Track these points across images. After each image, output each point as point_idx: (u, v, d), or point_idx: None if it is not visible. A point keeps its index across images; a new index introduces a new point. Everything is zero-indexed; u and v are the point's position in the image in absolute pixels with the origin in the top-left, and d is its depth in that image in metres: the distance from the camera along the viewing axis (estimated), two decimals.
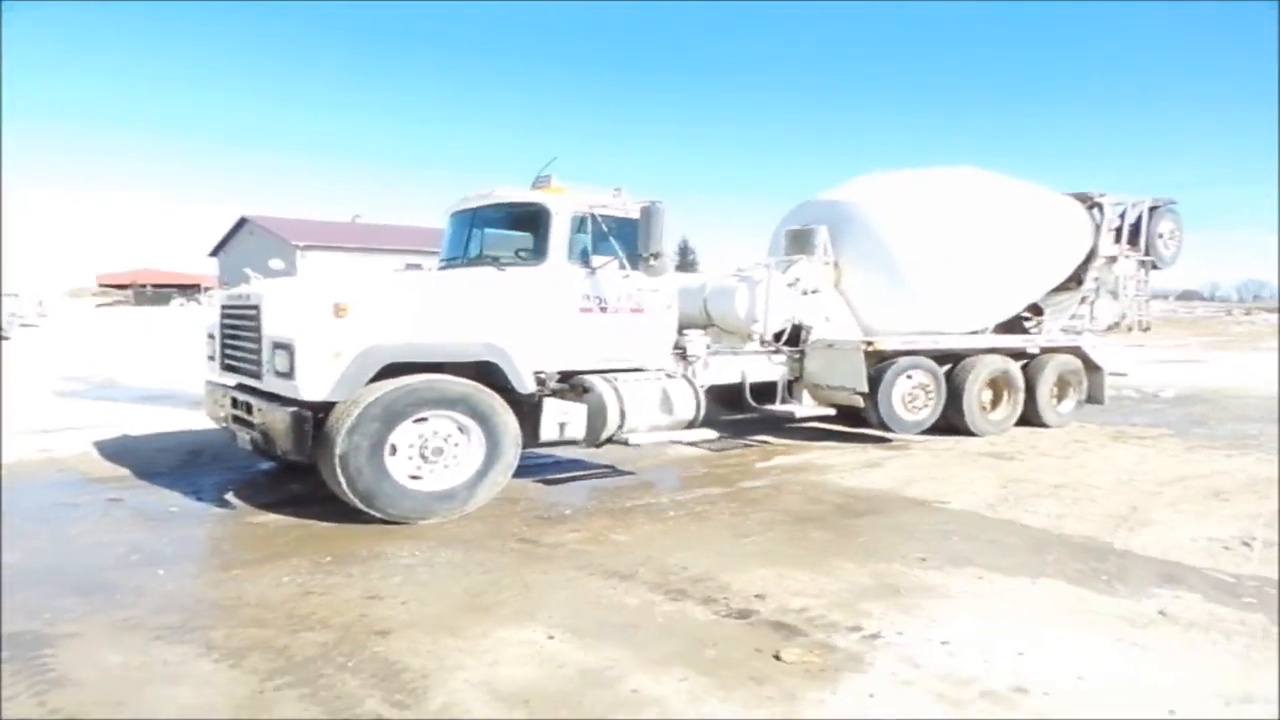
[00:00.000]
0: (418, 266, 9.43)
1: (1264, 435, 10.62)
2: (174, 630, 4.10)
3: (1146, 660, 3.90)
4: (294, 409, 5.97)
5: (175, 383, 14.18)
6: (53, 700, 3.35)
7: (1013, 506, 6.87)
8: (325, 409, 6.02)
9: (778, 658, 3.84)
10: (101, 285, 72.96)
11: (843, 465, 8.52)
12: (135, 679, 3.57)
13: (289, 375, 5.98)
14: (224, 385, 7.30)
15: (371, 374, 6.06)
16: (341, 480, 5.86)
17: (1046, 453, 9.37)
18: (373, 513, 5.97)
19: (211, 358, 7.57)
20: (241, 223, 62.95)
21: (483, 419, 6.39)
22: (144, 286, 67.77)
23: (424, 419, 6.21)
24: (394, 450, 6.07)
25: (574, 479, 7.86)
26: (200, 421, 10.22)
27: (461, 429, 6.38)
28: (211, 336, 7.54)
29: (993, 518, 6.53)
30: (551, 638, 4.07)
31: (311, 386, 5.94)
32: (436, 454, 6.27)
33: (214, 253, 66.94)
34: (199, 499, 6.84)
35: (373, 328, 6.20)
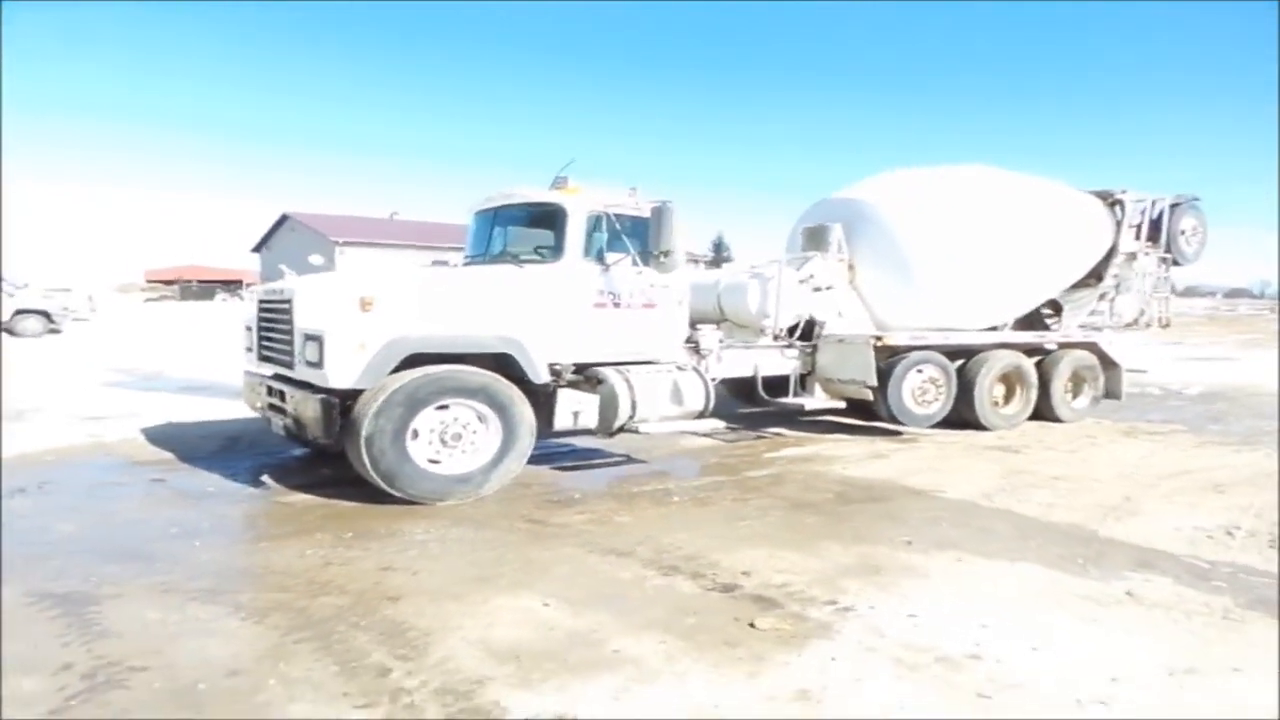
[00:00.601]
0: (444, 263, 9.87)
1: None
2: (206, 593, 4.52)
3: (1102, 635, 4.15)
4: (323, 396, 6.40)
5: (217, 374, 14.79)
6: (100, 647, 3.77)
7: (1008, 496, 7.09)
8: (352, 396, 6.42)
9: (752, 625, 4.16)
10: (149, 281, 75.01)
11: (848, 456, 8.78)
12: (171, 632, 3.99)
13: (319, 364, 6.40)
14: (260, 375, 7.77)
15: (395, 363, 6.45)
16: (366, 462, 6.23)
17: (1053, 446, 9.54)
18: (394, 493, 6.34)
19: (249, 349, 8.04)
20: (283, 220, 64.23)
21: (500, 408, 6.75)
22: (190, 282, 69.59)
23: (444, 406, 6.57)
24: (415, 435, 6.43)
25: (589, 466, 8.21)
26: (239, 410, 10.74)
27: (480, 417, 6.74)
28: (249, 329, 8.00)
29: (986, 506, 6.76)
30: (546, 605, 4.42)
31: (339, 375, 6.35)
32: (455, 439, 6.64)
33: (256, 249, 68.41)
34: (235, 480, 7.28)
35: (396, 320, 6.57)
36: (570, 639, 3.98)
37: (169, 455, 8.29)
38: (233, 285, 67.20)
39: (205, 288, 64.88)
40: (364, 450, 6.21)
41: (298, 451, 8.48)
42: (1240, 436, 10.35)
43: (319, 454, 8.02)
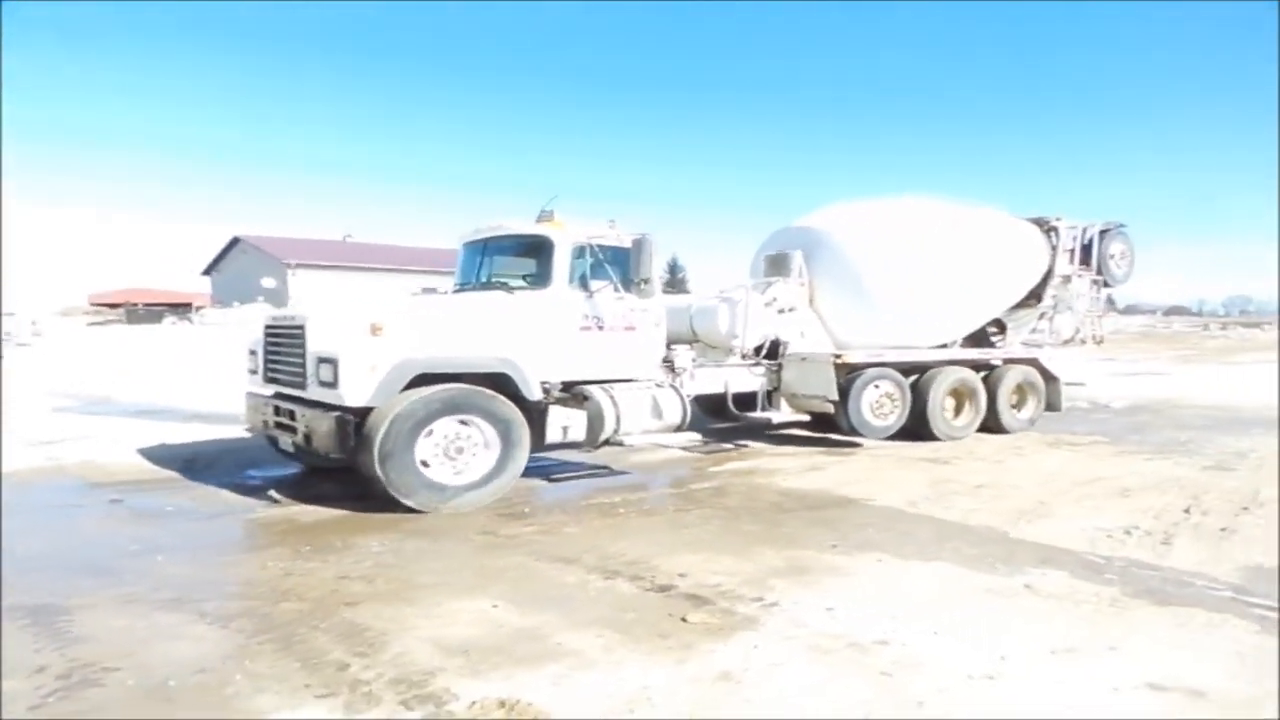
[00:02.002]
0: (433, 290, 10.49)
1: (1193, 442, 11.36)
2: (171, 602, 4.78)
3: (998, 622, 4.60)
4: (337, 414, 6.88)
5: (167, 398, 14.85)
6: (73, 652, 4.02)
7: (933, 503, 7.58)
8: (363, 414, 6.92)
9: (685, 620, 4.54)
10: (93, 304, 73.43)
11: (787, 469, 9.24)
12: (141, 637, 4.25)
13: (333, 385, 6.90)
14: (262, 395, 8.24)
15: (405, 383, 6.99)
16: (380, 474, 6.75)
17: (981, 458, 10.11)
18: (406, 502, 6.85)
19: (253, 371, 8.48)
20: (234, 242, 63.71)
21: (498, 423, 7.31)
22: (136, 305, 68.32)
23: (449, 422, 7.13)
24: (422, 449, 6.98)
25: (566, 478, 8.56)
26: (191, 433, 10.94)
27: (480, 432, 7.30)
28: (253, 352, 8.45)
29: (911, 513, 7.24)
30: (495, 607, 4.76)
31: (354, 394, 6.85)
32: (459, 452, 7.20)
33: (207, 271, 67.66)
34: (192, 500, 7.51)
35: (403, 343, 7.13)
36: (517, 635, 4.33)
37: (124, 477, 8.45)
38: (182, 308, 66.17)
39: (152, 311, 63.73)
40: (378, 464, 6.72)
41: (254, 472, 8.73)
42: (1155, 446, 11.01)
43: (313, 471, 8.55)
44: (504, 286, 8.42)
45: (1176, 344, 42.99)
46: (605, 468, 9.15)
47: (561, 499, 7.67)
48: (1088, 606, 4.88)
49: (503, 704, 3.56)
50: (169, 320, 57.48)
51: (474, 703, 3.56)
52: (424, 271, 61.45)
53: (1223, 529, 6.69)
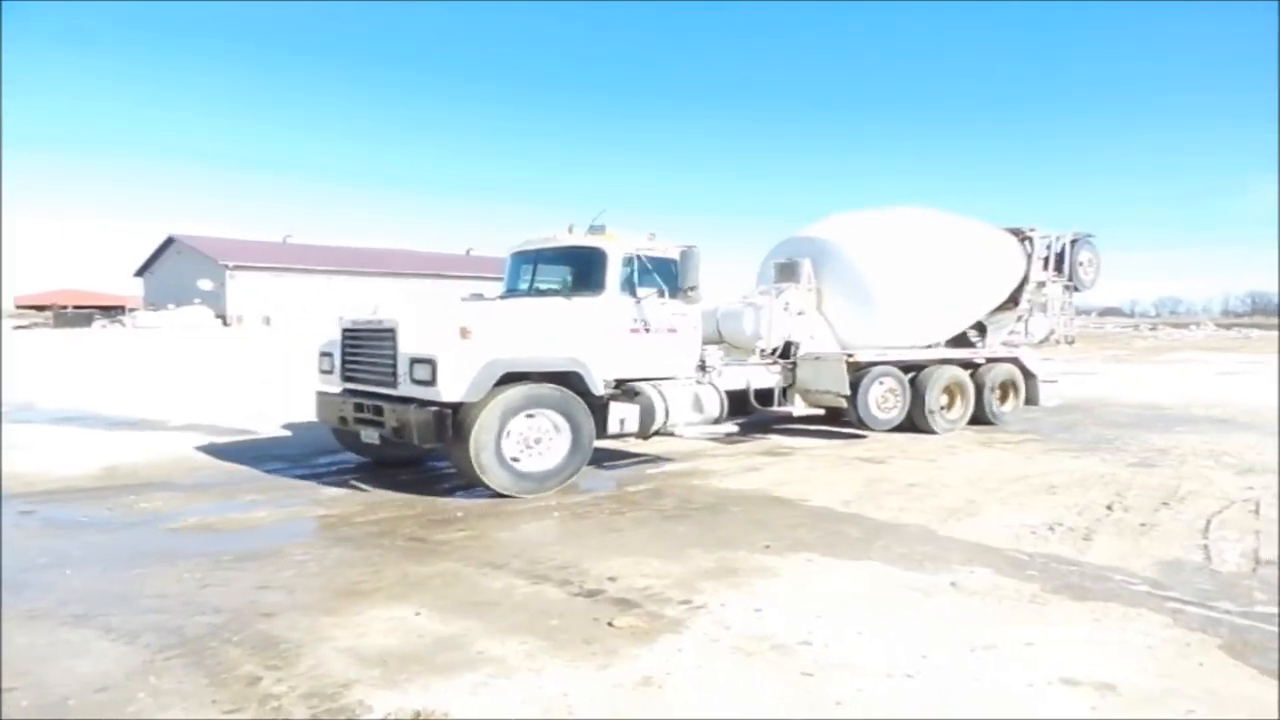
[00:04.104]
0: (480, 296, 11.04)
1: (1118, 439, 11.67)
2: (77, 618, 4.58)
3: (922, 620, 4.65)
4: (435, 409, 7.47)
5: (94, 405, 14.36)
6: None
7: (865, 503, 7.66)
8: (455, 408, 7.51)
9: (610, 625, 4.50)
10: (19, 307, 70.82)
11: (725, 470, 9.26)
12: (41, 655, 4.06)
13: (431, 383, 7.49)
14: (335, 394, 8.89)
15: (495, 381, 7.62)
16: (473, 462, 7.44)
17: (915, 456, 10.25)
18: (493, 488, 7.56)
19: (326, 371, 9.16)
20: (168, 242, 62.06)
21: (570, 416, 8.04)
22: (65, 308, 66.10)
23: (530, 416, 7.84)
24: (507, 440, 7.67)
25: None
26: (116, 441, 10.58)
27: (554, 425, 8.00)
28: (326, 354, 9.14)
29: (843, 512, 7.30)
30: (418, 614, 4.66)
31: (450, 391, 7.46)
32: (536, 442, 7.92)
33: (140, 272, 65.78)
34: (109, 510, 7.25)
35: (488, 345, 7.77)
36: (438, 643, 4.24)
37: (42, 487, 8.13)
38: (113, 311, 64.16)
39: (81, 314, 61.70)
40: (471, 452, 7.42)
41: (181, 481, 8.49)
42: (1082, 444, 11.29)
43: (378, 463, 9.26)
44: (559, 294, 9.17)
45: (1108, 344, 44.30)
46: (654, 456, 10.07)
47: (495, 504, 7.57)
48: (1009, 603, 4.96)
49: (418, 715, 3.47)
50: (99, 323, 55.75)
51: (388, 715, 3.47)
52: (370, 274, 60.61)
53: (1142, 524, 6.88)
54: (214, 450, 10.35)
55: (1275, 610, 4.83)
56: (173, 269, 61.45)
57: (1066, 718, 3.53)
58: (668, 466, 9.49)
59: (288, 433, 11.71)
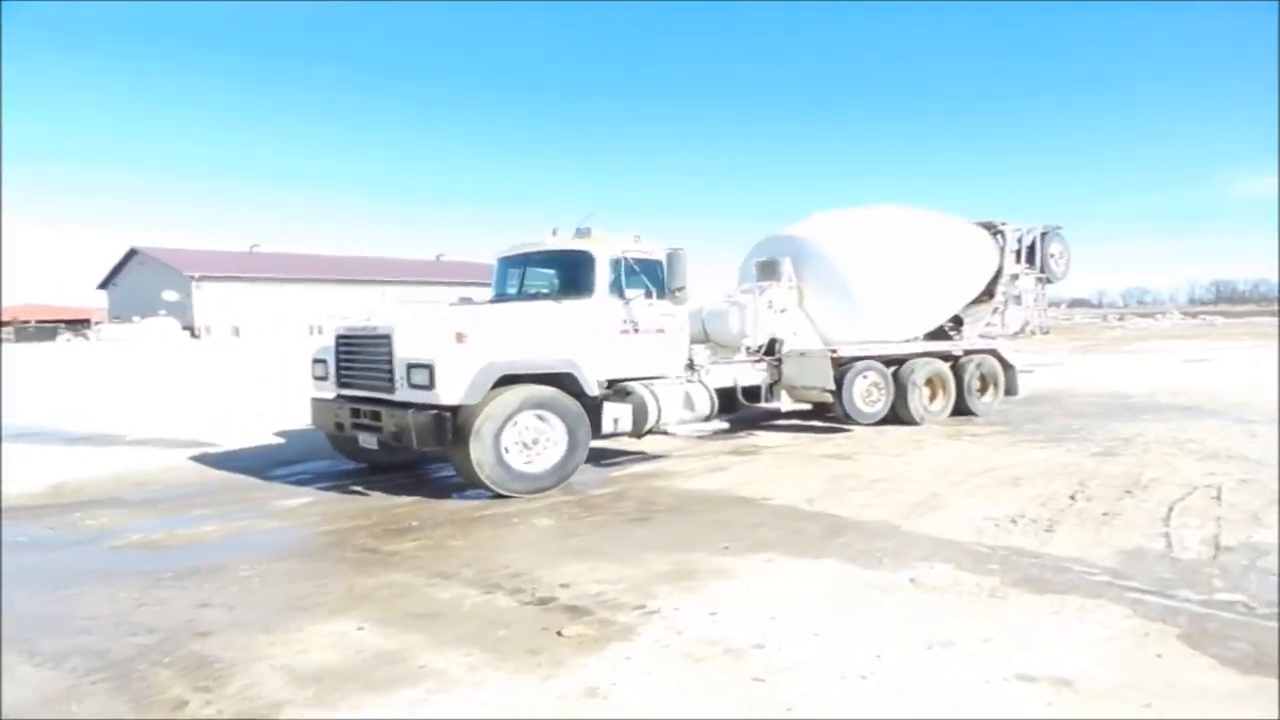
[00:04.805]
0: (469, 300, 11.45)
1: (1083, 429, 11.67)
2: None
3: (879, 619, 4.55)
4: (434, 412, 7.55)
5: (50, 420, 14.02)
6: None
7: (830, 500, 7.57)
8: (453, 411, 7.59)
9: (559, 634, 4.36)
10: None
11: (689, 471, 9.14)
12: None
13: (429, 387, 7.58)
14: (328, 400, 8.96)
15: (492, 383, 7.75)
16: (474, 463, 7.52)
17: (882, 451, 10.19)
18: (493, 488, 7.67)
19: (320, 378, 9.19)
20: (131, 254, 61.10)
21: (565, 417, 8.16)
22: (26, 323, 64.91)
23: (527, 417, 7.95)
24: (506, 441, 7.76)
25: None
26: (74, 457, 10.30)
27: (549, 424, 8.09)
28: (320, 361, 9.19)
29: (807, 510, 7.20)
30: (360, 629, 4.50)
31: (449, 394, 7.56)
32: (533, 443, 8.00)
33: (103, 285, 64.74)
34: (51, 529, 7.01)
35: (484, 349, 7.89)
36: (378, 659, 4.08)
37: None
38: (79, 325, 63.05)
39: (44, 328, 60.56)
40: (472, 454, 7.51)
41: (129, 496, 8.26)
42: (1049, 435, 11.29)
43: (373, 468, 9.32)
44: (550, 296, 9.22)
45: (1076, 335, 44.71)
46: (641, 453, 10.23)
47: (453, 511, 7.40)
48: (968, 598, 4.87)
49: None
50: (64, 337, 54.80)
51: None
52: (341, 282, 60.02)
53: (1105, 514, 6.83)
54: (167, 465, 10.10)
55: (1234, 598, 4.78)
56: (137, 281, 60.53)
57: (1021, 717, 3.44)
58: (634, 468, 9.37)
59: (248, 445, 11.45)
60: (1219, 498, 7.30)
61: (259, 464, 9.92)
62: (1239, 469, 8.54)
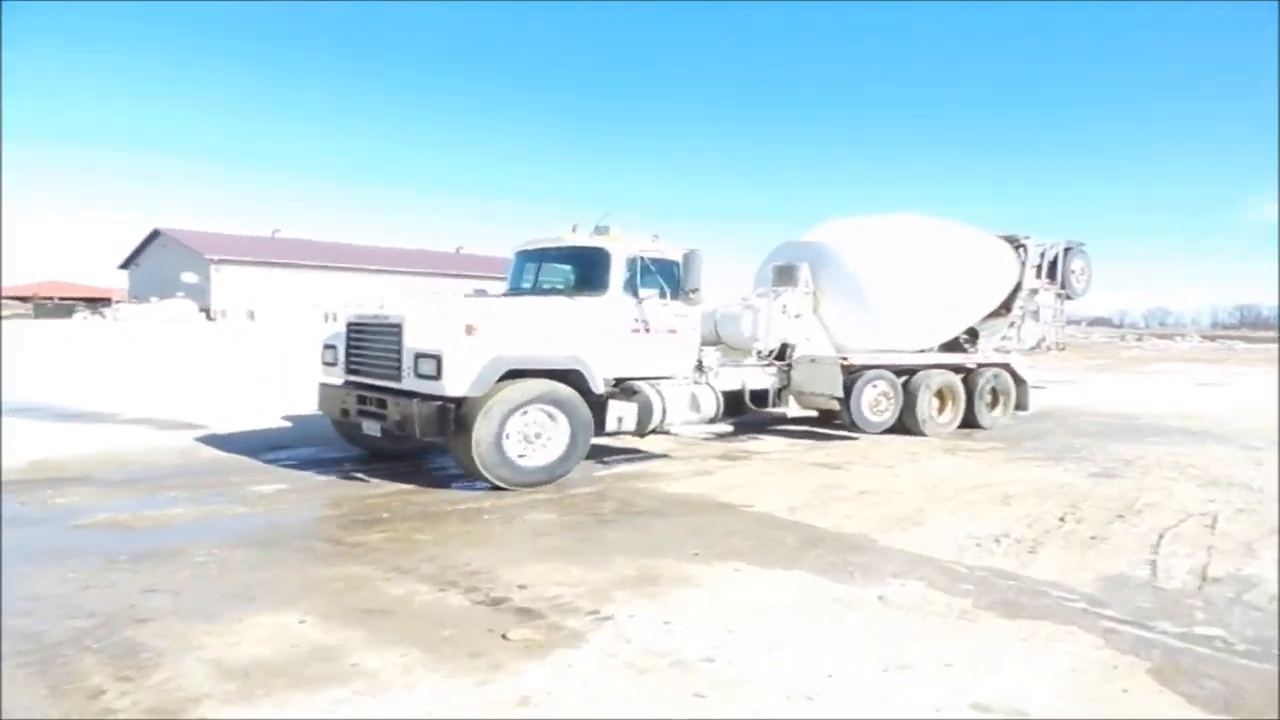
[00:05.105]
0: (484, 292, 11.37)
1: (1086, 449, 11.42)
2: None
3: (838, 637, 4.38)
4: (439, 402, 7.57)
5: (50, 396, 14.03)
6: None
7: (812, 509, 7.39)
8: (458, 403, 7.61)
9: (505, 637, 4.22)
10: (3, 298, 70.12)
11: (674, 474, 8.98)
12: None
13: (436, 377, 7.59)
14: (338, 386, 8.98)
15: (499, 376, 7.77)
16: (474, 455, 7.54)
17: (875, 463, 9.99)
18: (492, 480, 7.68)
19: (330, 364, 9.25)
20: (154, 235, 61.48)
21: (569, 413, 8.16)
22: (48, 299, 65.50)
23: (532, 411, 7.96)
24: (509, 434, 7.78)
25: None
26: (62, 433, 10.26)
27: (553, 420, 8.11)
28: (330, 347, 9.23)
29: (786, 519, 7.02)
30: (303, 622, 4.37)
31: (455, 385, 7.58)
32: (536, 437, 8.03)
33: (124, 265, 65.22)
34: (21, 505, 6.95)
35: (493, 342, 7.91)
36: (312, 654, 3.96)
37: None
38: (98, 303, 63.48)
39: (63, 305, 61.04)
40: (474, 445, 7.52)
41: (101, 476, 8.19)
42: (1047, 453, 11.04)
43: (374, 455, 9.33)
44: (564, 292, 9.23)
45: (1093, 354, 44.14)
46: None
47: (426, 503, 7.28)
48: (935, 619, 4.69)
49: None
50: (81, 315, 55.19)
51: None
52: (359, 270, 60.15)
53: (1093, 537, 6.62)
54: (154, 445, 10.04)
55: (1214, 632, 4.58)
56: (158, 262, 60.86)
57: None
58: (619, 468, 9.21)
59: (241, 429, 11.38)
60: (1213, 526, 7.07)
61: (248, 447, 9.85)
62: (1239, 497, 8.29)
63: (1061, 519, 7.21)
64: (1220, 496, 8.31)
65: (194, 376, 18.81)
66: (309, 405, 9.92)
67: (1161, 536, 6.66)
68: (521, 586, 5.05)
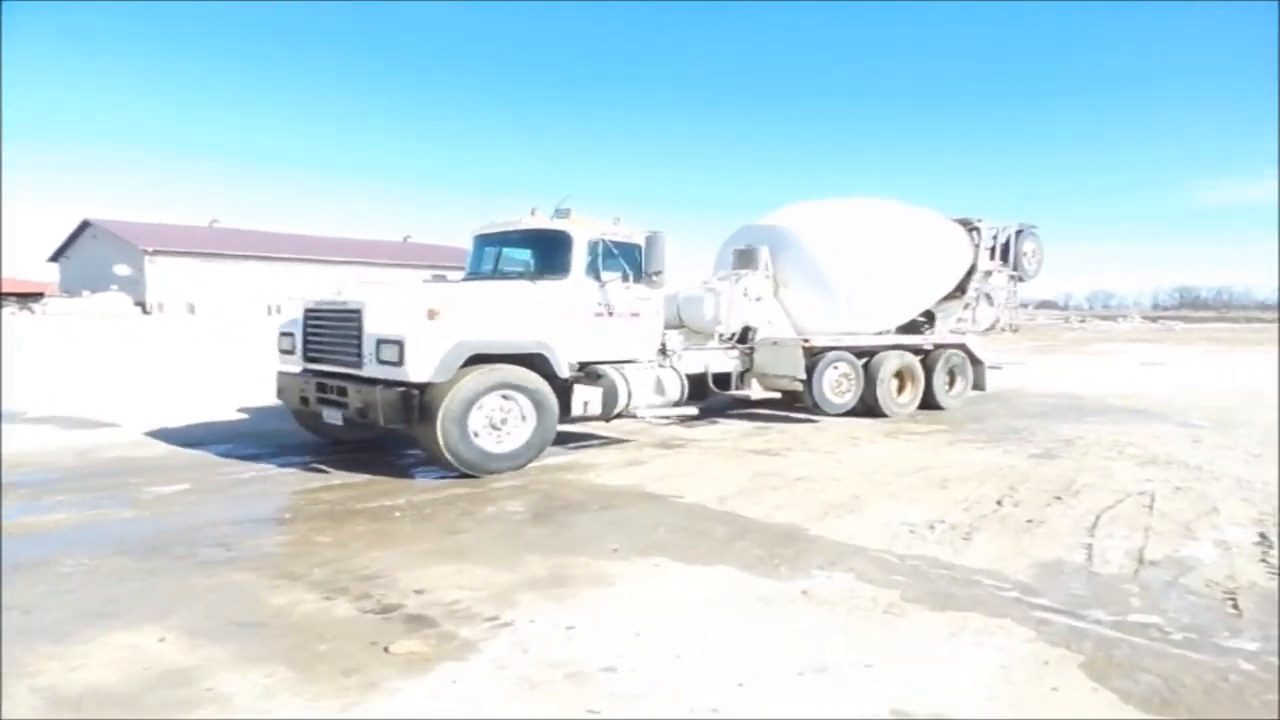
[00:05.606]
0: (443, 278, 11.08)
1: (1026, 430, 11.31)
2: None
3: (756, 637, 4.06)
4: (403, 389, 7.45)
5: None
6: None
7: (743, 499, 7.08)
8: (421, 389, 7.46)
9: (387, 651, 3.82)
10: None
11: (605, 464, 8.62)
12: None
13: (398, 363, 7.44)
14: (297, 374, 8.78)
15: (462, 362, 7.63)
16: (440, 442, 7.45)
17: (815, 449, 9.73)
18: (459, 467, 7.59)
19: (287, 351, 9.00)
20: (84, 226, 59.37)
21: (535, 398, 8.07)
22: None
23: (495, 397, 7.84)
24: (474, 421, 7.66)
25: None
26: None
27: (518, 405, 8.00)
28: (287, 334, 9.00)
29: (715, 510, 6.70)
30: (162, 640, 3.93)
31: (418, 371, 7.44)
32: (502, 424, 7.92)
33: (54, 258, 62.94)
34: None
35: (456, 327, 7.73)
36: (163, 678, 3.52)
37: None
38: (31, 298, 61.03)
39: None
40: (439, 432, 7.42)
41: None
42: (989, 435, 10.89)
43: (333, 443, 9.17)
44: (526, 276, 9.06)
45: (1037, 336, 44.79)
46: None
47: (335, 504, 6.82)
48: (860, 614, 4.40)
49: None
50: (8, 311, 53.11)
51: None
52: (303, 260, 58.67)
53: (1029, 521, 6.41)
54: (55, 445, 9.42)
55: (1149, 620, 4.35)
56: (90, 254, 58.79)
57: None
58: (547, 460, 8.82)
59: (161, 425, 10.77)
60: (1151, 506, 6.92)
61: (159, 450, 9.27)
62: (1176, 475, 8.19)
63: (999, 502, 7.01)
64: (1158, 475, 8.19)
65: (118, 373, 18.00)
66: (242, 399, 9.43)
67: (1098, 518, 6.48)
68: (419, 591, 4.65)
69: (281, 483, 7.57)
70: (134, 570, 5.04)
